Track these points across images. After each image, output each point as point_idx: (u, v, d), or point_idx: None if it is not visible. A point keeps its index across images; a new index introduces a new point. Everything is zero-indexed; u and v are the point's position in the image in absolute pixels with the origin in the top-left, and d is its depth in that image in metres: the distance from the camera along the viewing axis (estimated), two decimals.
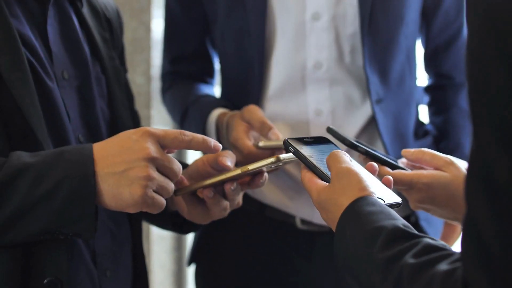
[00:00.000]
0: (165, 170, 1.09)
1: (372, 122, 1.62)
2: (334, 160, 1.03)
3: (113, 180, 1.05)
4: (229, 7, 1.62)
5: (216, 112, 1.62)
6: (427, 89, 1.83)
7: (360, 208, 0.94)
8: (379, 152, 1.28)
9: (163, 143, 1.08)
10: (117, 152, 1.06)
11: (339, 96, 1.61)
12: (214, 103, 1.67)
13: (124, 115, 1.34)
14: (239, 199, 1.28)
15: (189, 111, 1.70)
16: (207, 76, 1.84)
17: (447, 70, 1.78)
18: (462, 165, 1.19)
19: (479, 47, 0.71)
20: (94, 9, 1.36)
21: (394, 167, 1.24)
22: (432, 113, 1.83)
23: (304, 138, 1.14)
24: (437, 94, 1.82)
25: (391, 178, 1.05)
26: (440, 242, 0.86)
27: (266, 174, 1.25)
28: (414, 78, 1.70)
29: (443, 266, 0.80)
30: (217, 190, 1.23)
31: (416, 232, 0.89)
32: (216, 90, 1.87)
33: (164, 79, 1.84)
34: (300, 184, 1.60)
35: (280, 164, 1.20)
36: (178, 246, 2.31)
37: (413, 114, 1.72)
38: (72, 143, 1.18)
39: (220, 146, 1.14)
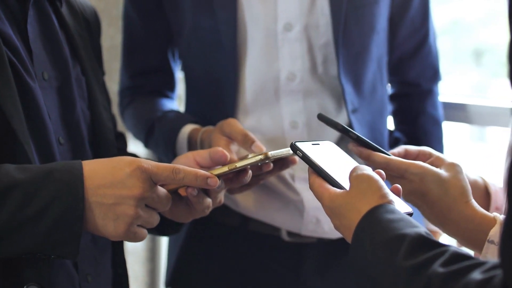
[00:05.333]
0: (153, 205, 1.10)
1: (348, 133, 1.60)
2: (355, 169, 1.02)
3: (100, 210, 1.05)
4: (196, 18, 1.59)
5: (187, 128, 1.58)
6: (392, 97, 1.82)
7: (380, 215, 0.93)
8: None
9: (155, 179, 1.08)
10: (108, 183, 1.05)
11: (313, 107, 1.60)
12: (183, 119, 1.63)
13: (104, 117, 1.32)
14: (221, 196, 1.26)
15: (155, 128, 1.66)
16: (168, 90, 1.79)
17: (414, 77, 1.78)
18: (466, 170, 1.18)
19: None
20: (72, 10, 1.33)
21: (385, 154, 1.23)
22: (399, 121, 1.82)
23: (311, 142, 1.12)
24: (404, 102, 1.81)
25: (399, 186, 1.04)
26: (465, 251, 0.85)
27: (250, 171, 1.24)
28: (385, 86, 1.70)
29: (477, 275, 0.78)
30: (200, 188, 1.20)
31: (439, 241, 0.88)
32: (177, 104, 1.82)
33: (124, 95, 1.77)
34: (284, 195, 1.58)
35: (267, 161, 1.19)
36: (152, 257, 2.29)
37: (386, 123, 1.72)
38: (53, 144, 1.15)
39: (218, 180, 1.13)
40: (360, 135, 1.23)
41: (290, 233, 1.63)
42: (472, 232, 1.13)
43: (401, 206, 0.99)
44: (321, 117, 1.27)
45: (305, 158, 1.08)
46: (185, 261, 1.70)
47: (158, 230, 1.25)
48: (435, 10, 1.89)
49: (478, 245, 1.12)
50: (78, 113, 1.24)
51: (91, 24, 1.39)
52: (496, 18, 2.53)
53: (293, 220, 1.61)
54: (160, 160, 1.60)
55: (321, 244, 1.63)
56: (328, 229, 1.60)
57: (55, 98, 1.20)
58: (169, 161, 1.12)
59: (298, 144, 1.10)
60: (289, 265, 1.65)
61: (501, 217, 1.12)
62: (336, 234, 1.61)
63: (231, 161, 1.26)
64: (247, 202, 1.62)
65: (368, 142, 1.22)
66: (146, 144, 1.72)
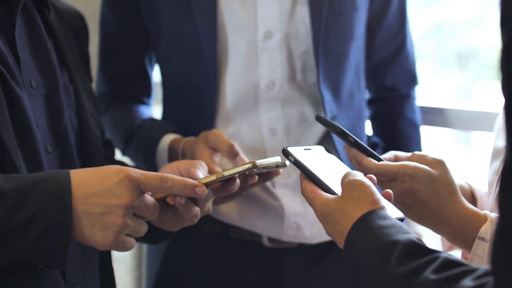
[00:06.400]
0: (141, 214, 1.09)
1: (327, 139, 1.62)
2: (346, 175, 1.02)
3: (88, 219, 1.04)
4: (176, 25, 1.58)
5: (168, 138, 1.57)
6: (370, 102, 1.83)
7: (372, 221, 0.93)
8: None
9: (143, 188, 1.08)
10: (96, 192, 1.05)
11: (292, 114, 1.60)
12: (163, 128, 1.62)
13: (92, 125, 1.32)
14: (210, 205, 1.26)
15: (134, 137, 1.65)
16: (144, 96, 1.77)
17: (391, 82, 1.79)
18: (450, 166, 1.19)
19: None
20: (60, 17, 1.33)
21: (379, 160, 1.23)
22: (377, 126, 1.83)
23: (303, 147, 1.12)
24: (382, 107, 1.82)
25: (391, 192, 1.04)
26: (458, 258, 0.86)
27: (238, 180, 1.24)
28: (362, 92, 1.71)
29: (468, 283, 0.79)
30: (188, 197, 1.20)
31: (431, 247, 0.88)
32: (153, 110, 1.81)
33: (101, 101, 1.73)
34: (264, 202, 1.59)
35: (255, 170, 1.18)
36: (138, 265, 2.28)
37: (364, 128, 1.73)
38: (41, 152, 1.15)
39: (205, 189, 1.13)
40: (358, 140, 1.23)
41: (271, 239, 1.63)
42: (464, 229, 1.13)
43: (392, 212, 0.99)
44: (320, 119, 1.26)
45: (297, 163, 1.08)
46: (167, 270, 1.70)
47: (145, 239, 1.24)
48: (420, 13, 1.90)
49: (468, 242, 1.12)
50: (66, 121, 1.24)
51: (78, 31, 1.39)
52: (480, 21, 2.55)
53: (273, 226, 1.61)
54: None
55: (302, 249, 1.64)
56: (308, 235, 1.61)
57: (42, 106, 1.20)
58: (148, 171, 1.12)
59: (289, 149, 1.10)
60: (271, 270, 1.65)
61: (492, 215, 1.13)
62: (316, 240, 1.62)
63: (214, 171, 1.27)
64: (227, 210, 1.62)
65: (365, 146, 1.22)
66: (124, 152, 1.71)
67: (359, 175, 1.01)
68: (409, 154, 1.23)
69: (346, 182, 1.00)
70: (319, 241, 1.63)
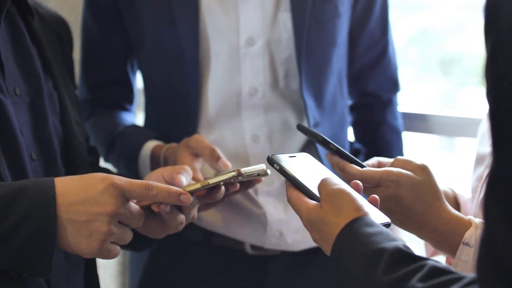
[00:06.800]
0: (126, 221, 1.09)
1: (310, 145, 1.62)
2: (324, 184, 1.01)
3: (73, 227, 1.04)
4: (158, 32, 1.58)
5: (150, 145, 1.57)
6: (352, 108, 1.83)
7: (358, 228, 0.93)
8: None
9: (128, 196, 1.08)
10: (81, 199, 1.05)
11: (275, 121, 1.60)
12: (145, 134, 1.62)
13: (76, 132, 1.31)
14: (195, 212, 1.26)
15: (116, 143, 1.65)
16: (127, 103, 1.77)
17: (374, 88, 1.79)
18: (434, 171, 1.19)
19: None
20: (44, 23, 1.33)
21: (362, 167, 1.23)
22: (360, 132, 1.84)
23: (288, 154, 1.12)
24: (364, 113, 1.82)
25: (377, 197, 1.04)
26: (445, 265, 0.86)
27: (223, 188, 1.24)
28: (345, 99, 1.71)
29: None
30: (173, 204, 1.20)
31: (418, 254, 0.88)
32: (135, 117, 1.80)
33: (83, 107, 1.72)
34: (247, 209, 1.59)
35: (240, 178, 1.18)
36: (123, 271, 2.27)
37: (346, 135, 1.73)
38: (25, 160, 1.14)
39: (190, 197, 1.13)
40: (340, 147, 1.23)
41: (253, 247, 1.63)
42: (448, 235, 1.14)
43: (378, 217, 0.99)
44: (301, 128, 1.27)
45: (282, 171, 1.07)
46: (150, 277, 1.70)
47: (130, 246, 1.24)
48: (404, 20, 1.91)
49: (453, 248, 1.13)
50: (50, 128, 1.23)
51: (63, 38, 1.38)
52: (464, 28, 2.56)
53: (256, 233, 1.60)
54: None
55: (285, 257, 1.64)
56: (291, 242, 1.61)
57: (27, 113, 1.19)
58: (130, 178, 1.11)
59: (274, 157, 1.09)
60: (254, 278, 1.65)
61: (476, 220, 1.13)
62: (299, 247, 1.63)
63: (196, 178, 1.26)
64: (210, 217, 1.62)
65: (347, 154, 1.22)
66: (106, 159, 1.70)
67: (337, 183, 1.01)
68: (391, 160, 1.23)
69: (326, 193, 1.00)
70: (302, 248, 1.63)
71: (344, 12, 1.62)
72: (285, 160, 1.10)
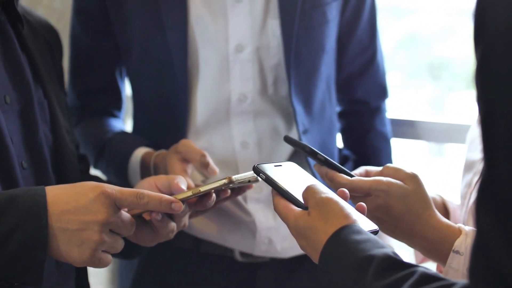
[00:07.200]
0: (118, 230, 1.09)
1: (298, 152, 1.61)
2: (311, 192, 1.02)
3: (64, 236, 1.04)
4: (147, 39, 1.57)
5: (140, 152, 1.56)
6: (341, 115, 1.84)
7: (346, 236, 0.93)
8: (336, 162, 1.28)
9: (119, 204, 1.08)
10: (72, 208, 1.04)
11: (264, 127, 1.61)
12: (135, 141, 1.61)
13: (67, 140, 1.31)
14: (186, 220, 1.26)
15: (105, 150, 1.64)
16: (115, 109, 1.76)
17: (362, 95, 1.80)
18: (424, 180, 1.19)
19: None
20: (34, 31, 1.32)
21: (351, 176, 1.23)
22: (348, 139, 1.84)
23: (274, 164, 1.12)
24: (353, 120, 1.83)
25: (364, 204, 1.04)
26: (435, 272, 0.86)
27: (214, 195, 1.24)
28: (333, 105, 1.72)
29: None
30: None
31: (407, 261, 0.88)
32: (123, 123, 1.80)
33: (72, 114, 1.71)
34: (236, 217, 1.59)
35: (231, 185, 1.18)
36: (113, 279, 2.27)
37: (335, 141, 1.73)
38: (16, 169, 1.14)
39: (182, 205, 1.13)
40: (328, 157, 1.23)
41: (243, 254, 1.63)
42: (438, 243, 1.14)
43: (366, 224, 0.99)
44: (288, 140, 1.26)
45: (268, 180, 1.08)
46: (140, 285, 1.69)
47: (121, 254, 1.23)
48: (392, 25, 1.91)
49: (443, 256, 1.13)
50: (41, 137, 1.23)
51: (52, 46, 1.38)
52: (451, 32, 2.58)
53: (245, 241, 1.60)
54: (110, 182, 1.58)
55: (274, 264, 1.64)
56: (280, 249, 1.61)
57: (17, 121, 1.19)
58: (120, 184, 1.11)
59: (260, 166, 1.10)
60: (243, 285, 1.65)
61: (466, 228, 1.13)
62: (288, 254, 1.63)
63: (190, 188, 1.26)
64: (199, 224, 1.61)
65: (335, 164, 1.22)
66: (95, 165, 1.70)
67: (323, 192, 1.01)
68: (380, 168, 1.24)
69: (314, 202, 1.00)
70: (291, 255, 1.63)
71: (332, 19, 1.62)
72: (271, 169, 1.10)
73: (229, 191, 1.28)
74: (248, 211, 1.59)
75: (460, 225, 1.15)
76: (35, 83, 1.26)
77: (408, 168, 1.21)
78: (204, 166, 1.38)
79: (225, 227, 1.61)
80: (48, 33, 1.38)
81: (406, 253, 1.79)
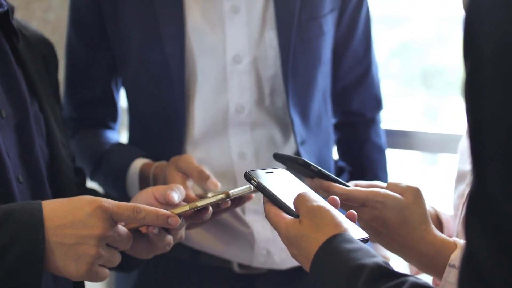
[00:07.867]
0: (115, 244, 1.09)
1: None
2: (302, 200, 1.02)
3: (61, 250, 1.04)
4: (144, 51, 1.58)
5: (138, 163, 1.56)
6: (336, 126, 1.84)
7: (337, 245, 0.93)
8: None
9: (115, 218, 1.08)
10: (69, 222, 1.05)
11: (261, 138, 1.61)
12: (132, 153, 1.61)
13: (63, 154, 1.31)
14: (182, 233, 1.27)
15: (103, 162, 1.64)
16: (111, 121, 1.76)
17: (357, 107, 1.81)
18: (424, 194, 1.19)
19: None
20: (29, 45, 1.33)
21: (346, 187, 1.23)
22: (344, 150, 1.85)
23: (265, 170, 1.12)
24: (348, 131, 1.84)
25: (354, 212, 1.04)
26: (425, 281, 0.86)
27: (210, 209, 1.24)
28: (329, 117, 1.72)
29: None
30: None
31: (398, 270, 0.89)
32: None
33: (67, 125, 1.69)
34: (234, 228, 1.59)
35: (228, 200, 1.19)
36: None
37: (331, 153, 1.74)
38: (13, 183, 1.14)
39: (178, 220, 1.13)
40: (321, 169, 1.22)
41: (241, 265, 1.63)
42: (433, 258, 1.14)
43: (356, 233, 0.99)
44: (278, 156, 1.25)
45: (260, 187, 1.08)
46: None
47: (118, 267, 1.22)
48: (385, 33, 1.92)
49: (439, 271, 1.13)
50: (37, 151, 1.23)
51: (48, 59, 1.39)
52: (443, 40, 2.58)
53: (244, 252, 1.61)
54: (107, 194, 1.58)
55: (272, 275, 1.64)
56: (278, 260, 1.61)
57: (13, 136, 1.19)
58: (118, 196, 1.11)
59: (251, 173, 1.10)
60: None
61: (461, 241, 1.14)
62: (286, 265, 1.63)
63: (191, 200, 1.27)
64: (197, 236, 1.61)
65: (329, 175, 1.22)
66: (92, 177, 1.70)
67: (317, 200, 1.01)
68: (368, 182, 1.25)
69: (305, 210, 1.00)
70: (289, 266, 1.64)
71: (328, 31, 1.63)
72: (262, 176, 1.10)
73: (229, 201, 1.28)
74: (246, 222, 1.60)
75: (455, 238, 1.15)
76: (31, 97, 1.27)
77: (411, 182, 1.21)
78: (203, 181, 1.38)
79: (223, 239, 1.62)
80: (44, 46, 1.39)
81: (402, 263, 1.80)
